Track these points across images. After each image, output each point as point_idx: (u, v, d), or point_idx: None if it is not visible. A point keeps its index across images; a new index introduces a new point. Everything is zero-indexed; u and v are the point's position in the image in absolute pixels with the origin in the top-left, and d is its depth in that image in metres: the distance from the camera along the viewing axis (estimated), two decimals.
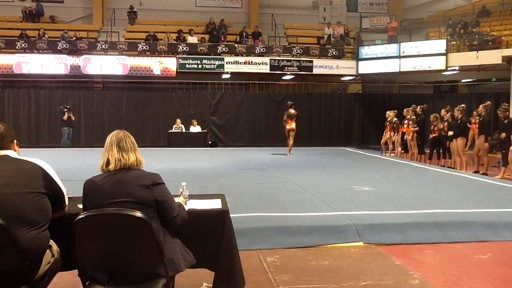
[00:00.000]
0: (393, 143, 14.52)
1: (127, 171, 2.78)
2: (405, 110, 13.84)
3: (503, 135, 10.43)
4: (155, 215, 2.75)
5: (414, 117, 13.24)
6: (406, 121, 13.60)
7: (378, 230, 5.20)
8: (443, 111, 12.59)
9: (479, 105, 16.23)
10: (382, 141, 15.18)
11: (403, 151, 13.98)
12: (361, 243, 5.03)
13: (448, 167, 11.77)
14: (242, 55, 18.43)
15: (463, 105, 11.73)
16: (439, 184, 8.49)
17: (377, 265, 4.41)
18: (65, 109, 16.46)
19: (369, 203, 6.50)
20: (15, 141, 2.86)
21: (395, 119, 14.25)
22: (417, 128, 13.09)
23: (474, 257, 4.66)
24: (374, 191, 7.62)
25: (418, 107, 13.53)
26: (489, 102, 11.66)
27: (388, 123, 14.70)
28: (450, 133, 11.48)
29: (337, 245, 4.98)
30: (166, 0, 22.19)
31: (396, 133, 14.24)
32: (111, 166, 2.78)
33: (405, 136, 13.60)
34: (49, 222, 2.74)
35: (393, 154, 14.42)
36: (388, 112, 14.82)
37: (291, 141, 14.37)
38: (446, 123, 11.95)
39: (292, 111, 14.05)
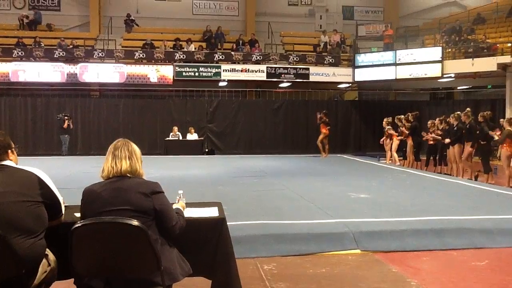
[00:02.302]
0: (390, 150, 14.53)
1: (127, 179, 2.79)
2: (396, 118, 14.02)
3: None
4: (153, 224, 2.75)
5: (408, 123, 13.32)
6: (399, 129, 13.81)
7: (375, 237, 5.20)
8: (437, 120, 12.67)
9: (475, 111, 16.38)
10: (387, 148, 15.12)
11: (401, 158, 14.02)
12: (358, 251, 5.03)
13: (445, 173, 11.80)
14: (238, 63, 18.48)
15: (458, 112, 11.76)
16: (435, 191, 8.50)
17: (375, 272, 4.41)
18: (65, 117, 16.46)
19: (366, 210, 6.50)
20: (9, 151, 2.85)
21: (388, 126, 14.29)
22: (400, 138, 13.51)
23: (471, 264, 4.66)
24: (371, 198, 7.62)
25: (410, 114, 13.60)
26: (468, 109, 11.68)
27: (386, 130, 14.77)
28: (447, 140, 11.51)
29: (335, 253, 4.97)
30: (163, 8, 22.29)
31: (390, 140, 14.32)
32: (104, 174, 2.82)
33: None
34: (45, 230, 2.73)
35: (390, 161, 14.44)
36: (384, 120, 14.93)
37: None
38: (440, 131, 12.04)
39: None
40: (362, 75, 18.74)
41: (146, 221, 2.67)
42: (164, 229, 2.81)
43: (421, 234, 5.31)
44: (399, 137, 13.78)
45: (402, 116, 13.93)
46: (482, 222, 5.76)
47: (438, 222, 5.69)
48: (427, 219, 5.86)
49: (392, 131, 14.07)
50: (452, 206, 6.88)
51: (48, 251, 2.79)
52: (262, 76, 18.39)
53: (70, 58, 17.64)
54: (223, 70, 18.05)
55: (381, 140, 15.03)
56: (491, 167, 10.64)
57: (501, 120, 16.35)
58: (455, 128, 11.31)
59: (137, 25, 21.26)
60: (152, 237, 2.65)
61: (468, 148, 10.99)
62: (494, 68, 16.10)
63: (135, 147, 2.92)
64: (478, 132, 10.80)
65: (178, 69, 17.84)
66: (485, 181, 10.32)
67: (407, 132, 13.23)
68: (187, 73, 17.92)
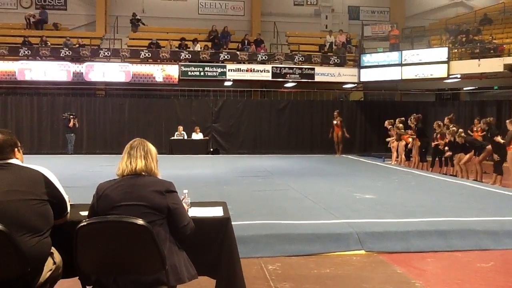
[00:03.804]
0: (397, 151, 14.49)
1: (142, 177, 2.83)
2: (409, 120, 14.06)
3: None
4: (165, 222, 2.77)
5: (413, 125, 13.39)
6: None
7: (380, 238, 5.19)
8: (446, 120, 12.66)
9: (481, 112, 16.35)
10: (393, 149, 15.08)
11: (406, 159, 13.99)
12: (363, 251, 5.02)
13: (450, 175, 11.77)
14: (244, 63, 18.48)
15: (454, 128, 11.75)
16: (441, 192, 8.47)
17: (379, 273, 4.40)
18: (71, 116, 16.55)
19: (371, 211, 6.49)
20: (16, 149, 2.86)
21: (400, 124, 14.22)
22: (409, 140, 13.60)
23: (476, 265, 4.64)
24: (376, 198, 7.61)
25: (413, 117, 13.58)
26: (461, 130, 11.75)
27: (390, 131, 14.74)
28: (448, 153, 11.67)
29: (339, 253, 4.97)
30: (169, 7, 22.32)
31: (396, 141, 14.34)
32: (119, 172, 2.86)
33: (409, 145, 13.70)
34: (51, 229, 2.74)
35: (395, 162, 14.41)
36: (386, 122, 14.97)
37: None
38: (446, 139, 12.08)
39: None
40: (367, 75, 18.69)
41: (158, 218, 2.71)
42: (175, 229, 2.83)
43: (426, 235, 5.30)
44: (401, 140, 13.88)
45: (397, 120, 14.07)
46: (488, 223, 5.74)
47: (443, 223, 5.67)
48: (432, 220, 5.84)
49: (402, 132, 14.05)
50: (457, 207, 6.86)
51: (53, 250, 2.80)
52: (268, 76, 18.38)
53: (76, 57, 17.70)
54: (229, 70, 18.05)
55: (390, 143, 14.95)
56: (502, 170, 10.59)
57: (507, 121, 16.30)
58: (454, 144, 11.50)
59: (143, 24, 21.30)
60: (162, 235, 2.68)
61: (469, 156, 11.16)
62: (501, 69, 16.01)
63: (151, 147, 2.96)
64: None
65: (184, 69, 17.87)
66: (492, 183, 10.29)
67: (414, 135, 13.31)
68: (192, 73, 17.94)
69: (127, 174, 2.83)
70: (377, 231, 5.33)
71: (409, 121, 13.70)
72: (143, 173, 2.85)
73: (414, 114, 13.80)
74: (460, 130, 11.66)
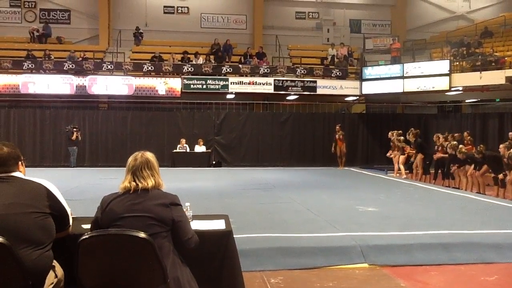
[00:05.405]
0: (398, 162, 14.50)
1: (148, 191, 2.83)
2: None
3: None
4: (169, 235, 2.78)
5: (412, 140, 13.49)
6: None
7: (383, 251, 5.16)
8: (441, 138, 12.73)
9: (483, 125, 16.39)
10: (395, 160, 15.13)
11: (407, 171, 13.98)
12: (366, 265, 4.99)
13: (453, 187, 11.74)
14: (246, 76, 18.56)
15: (455, 142, 11.87)
16: (444, 204, 8.44)
17: (382, 287, 4.37)
18: (74, 129, 16.59)
19: (374, 223, 6.46)
20: (19, 162, 2.88)
21: (401, 137, 14.29)
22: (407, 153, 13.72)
23: (480, 279, 4.60)
24: (378, 211, 7.58)
25: (411, 133, 13.62)
26: (461, 146, 11.84)
27: (392, 143, 14.77)
28: (454, 168, 11.73)
29: (342, 267, 4.93)
30: (172, 21, 22.52)
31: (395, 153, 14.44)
32: (123, 190, 2.86)
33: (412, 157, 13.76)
34: (52, 242, 2.74)
35: (398, 174, 14.38)
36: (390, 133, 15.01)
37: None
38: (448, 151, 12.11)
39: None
40: (369, 88, 18.73)
41: (163, 230, 2.72)
42: (180, 242, 2.83)
43: (430, 248, 5.26)
44: (404, 153, 13.93)
45: (401, 136, 14.21)
46: (492, 236, 5.71)
47: (446, 236, 5.64)
48: (435, 233, 5.81)
49: (403, 144, 14.07)
50: (461, 220, 6.83)
51: (55, 263, 2.80)
52: (270, 89, 18.44)
53: (79, 71, 17.80)
54: (231, 83, 18.12)
55: (388, 154, 15.01)
56: (505, 182, 10.57)
57: (510, 133, 16.29)
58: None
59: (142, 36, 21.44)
60: (166, 248, 2.68)
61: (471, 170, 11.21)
62: (502, 81, 16.03)
63: (153, 162, 2.96)
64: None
65: (186, 82, 17.94)
66: (495, 195, 10.26)
67: (413, 151, 13.42)
68: (195, 86, 18.02)
69: (133, 192, 2.83)
70: (380, 244, 5.30)
71: (407, 136, 13.74)
72: (150, 188, 2.86)
73: (412, 129, 13.87)
74: (461, 146, 11.69)
